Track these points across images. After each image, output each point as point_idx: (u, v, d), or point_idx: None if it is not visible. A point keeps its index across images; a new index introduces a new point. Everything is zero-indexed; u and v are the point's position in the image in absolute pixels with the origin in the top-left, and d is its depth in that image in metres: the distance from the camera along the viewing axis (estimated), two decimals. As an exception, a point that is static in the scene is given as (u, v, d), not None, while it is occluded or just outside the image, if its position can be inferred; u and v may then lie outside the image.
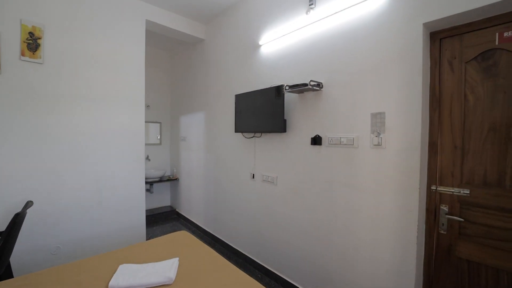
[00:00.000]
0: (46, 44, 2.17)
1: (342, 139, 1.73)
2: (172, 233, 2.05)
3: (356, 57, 1.67)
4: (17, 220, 1.67)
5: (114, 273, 1.44)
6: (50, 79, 2.19)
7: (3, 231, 1.69)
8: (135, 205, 2.73)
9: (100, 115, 2.47)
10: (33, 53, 2.11)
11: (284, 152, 2.19)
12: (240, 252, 2.66)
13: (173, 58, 4.25)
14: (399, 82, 1.47)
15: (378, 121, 1.56)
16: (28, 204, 1.93)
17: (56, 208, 2.24)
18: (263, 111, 2.22)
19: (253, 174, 2.51)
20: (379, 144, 1.55)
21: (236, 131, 2.54)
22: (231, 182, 2.84)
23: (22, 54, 2.07)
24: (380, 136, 1.54)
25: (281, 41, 2.20)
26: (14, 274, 2.05)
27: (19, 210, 1.80)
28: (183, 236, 1.99)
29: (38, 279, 1.38)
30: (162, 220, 3.86)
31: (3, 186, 1.99)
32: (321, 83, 1.85)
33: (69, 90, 2.28)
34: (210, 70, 3.18)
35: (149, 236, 3.21)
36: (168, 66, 4.25)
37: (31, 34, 2.10)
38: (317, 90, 1.86)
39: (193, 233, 3.36)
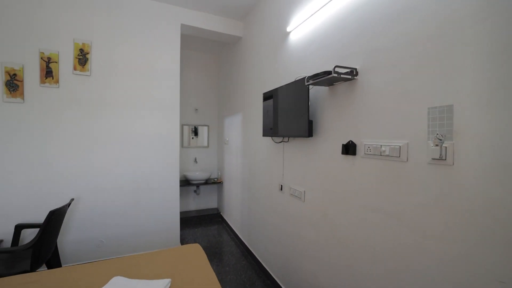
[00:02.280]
0: (93, 58, 2.41)
1: (383, 148, 1.18)
2: (184, 245, 1.92)
3: (410, 20, 1.10)
4: (52, 217, 1.85)
5: (104, 284, 1.37)
6: (96, 89, 2.43)
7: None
8: (170, 208, 2.77)
9: (138, 120, 2.60)
10: (82, 67, 2.37)
11: (311, 162, 1.74)
12: (269, 273, 2.32)
13: (218, 60, 4.26)
14: (484, 53, 0.85)
15: (440, 120, 0.97)
16: (71, 201, 2.15)
17: (100, 205, 2.47)
18: (288, 111, 1.83)
19: (281, 186, 2.13)
20: (441, 158, 0.95)
21: (263, 134, 2.22)
22: (261, 192, 2.53)
23: (74, 68, 2.35)
24: (444, 144, 0.95)
25: (309, 23, 1.76)
26: (67, 260, 2.34)
27: (68, 205, 2.03)
28: (193, 251, 1.82)
29: (46, 276, 1.45)
30: (207, 222, 3.89)
31: (55, 184, 2.30)
32: (355, 69, 1.34)
33: (111, 98, 2.48)
34: (246, 68, 2.96)
35: (190, 238, 3.25)
36: (214, 69, 4.28)
37: (81, 50, 2.37)
38: (349, 79, 1.36)
39: (231, 240, 3.22)
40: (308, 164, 1.77)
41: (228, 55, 3.69)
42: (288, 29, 1.98)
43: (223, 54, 3.98)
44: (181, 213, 3.89)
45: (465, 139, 0.89)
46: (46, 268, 2.04)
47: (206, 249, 2.93)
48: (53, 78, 2.27)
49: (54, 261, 2.11)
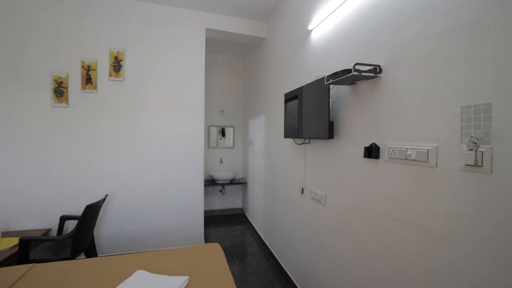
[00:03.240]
0: (126, 64, 2.60)
1: (409, 152, 1.08)
2: (204, 244, 1.96)
3: (439, 8, 0.99)
4: (89, 211, 2.03)
5: (129, 276, 1.46)
6: (128, 93, 2.61)
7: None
8: (194, 206, 2.87)
9: (166, 121, 2.74)
10: (117, 73, 2.57)
11: (332, 165, 1.66)
12: (290, 277, 2.27)
13: (243, 62, 4.30)
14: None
15: (475, 121, 0.85)
16: (105, 197, 2.34)
17: (131, 201, 2.65)
18: (308, 112, 1.77)
19: (303, 188, 2.07)
20: (476, 164, 0.84)
21: (284, 136, 2.19)
22: (283, 194, 2.49)
23: (110, 74, 2.56)
24: (480, 148, 0.83)
25: (331, 19, 1.68)
26: (102, 251, 2.55)
27: (103, 201, 2.22)
28: (213, 250, 1.85)
29: (81, 264, 1.60)
30: (231, 222, 3.95)
31: (93, 180, 2.52)
32: (378, 66, 1.24)
33: (141, 101, 2.65)
34: (268, 69, 2.95)
35: (214, 236, 3.33)
36: (240, 71, 4.33)
37: (116, 58, 2.56)
38: (372, 77, 1.27)
39: (254, 241, 3.22)
40: (330, 167, 1.69)
41: (252, 57, 3.70)
42: (309, 27, 1.92)
43: (248, 56, 4.01)
44: (206, 211, 4.02)
45: (506, 142, 0.77)
46: (85, 257, 2.26)
47: (229, 249, 2.98)
48: (92, 84, 2.50)
49: (91, 251, 2.31)
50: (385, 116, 1.22)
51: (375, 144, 1.28)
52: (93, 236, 2.32)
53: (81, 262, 1.65)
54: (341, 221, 1.56)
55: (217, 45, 3.73)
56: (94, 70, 2.50)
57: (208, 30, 2.89)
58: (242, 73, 4.34)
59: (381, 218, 1.24)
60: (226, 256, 2.73)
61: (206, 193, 4.13)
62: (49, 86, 2.40)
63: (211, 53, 4.03)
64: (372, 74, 1.24)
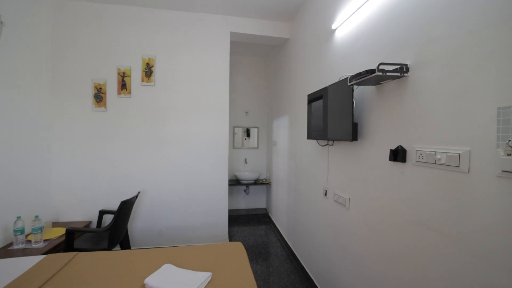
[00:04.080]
0: (157, 70, 2.77)
1: (438, 156, 1.01)
2: (228, 243, 2.02)
3: (473, 0, 0.92)
4: (123, 207, 2.21)
5: (157, 269, 1.57)
6: (158, 97, 2.78)
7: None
8: (219, 205, 2.96)
9: (192, 123, 2.86)
10: (148, 78, 2.75)
11: (356, 167, 1.61)
12: (313, 281, 2.24)
13: (267, 63, 4.31)
14: None
15: (514, 123, 0.78)
16: (138, 194, 2.52)
17: (161, 199, 2.82)
18: (331, 113, 1.74)
19: (326, 191, 2.03)
20: (515, 171, 0.76)
21: (307, 137, 2.17)
22: (306, 196, 2.46)
23: (142, 80, 2.74)
24: (519, 154, 0.76)
25: (355, 17, 1.63)
26: (135, 244, 2.75)
27: (135, 197, 2.41)
28: (235, 249, 1.90)
29: (116, 255, 1.74)
30: (255, 221, 3.99)
31: (127, 178, 2.73)
32: (405, 65, 1.18)
33: (170, 104, 2.81)
34: (292, 69, 2.93)
35: (238, 235, 3.40)
36: (264, 72, 4.36)
37: (147, 64, 2.75)
38: (398, 77, 1.21)
39: (278, 242, 3.23)
40: (353, 169, 1.64)
41: (276, 58, 3.71)
42: (333, 27, 1.88)
43: (272, 57, 4.02)
44: (231, 211, 4.11)
45: (551, 147, 0.69)
46: (120, 248, 2.45)
47: (252, 248, 3.02)
48: (126, 89, 2.70)
49: (125, 243, 2.51)
50: (412, 117, 1.16)
51: (401, 146, 1.22)
52: (127, 230, 2.52)
53: (117, 253, 1.81)
54: (365, 225, 1.51)
55: (241, 47, 3.79)
56: (129, 76, 2.70)
57: (232, 34, 2.96)
58: (266, 74, 4.36)
59: (409, 225, 1.17)
60: (249, 255, 2.79)
61: (230, 193, 4.23)
62: (90, 92, 2.64)
63: (236, 55, 4.12)
64: (398, 74, 1.19)
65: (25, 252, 1.93)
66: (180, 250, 1.88)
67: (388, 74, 1.18)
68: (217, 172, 2.95)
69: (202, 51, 2.87)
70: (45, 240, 2.10)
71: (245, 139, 4.32)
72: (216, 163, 2.94)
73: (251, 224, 3.87)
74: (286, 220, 3.13)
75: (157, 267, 1.58)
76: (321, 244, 2.11)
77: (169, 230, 2.84)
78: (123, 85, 2.70)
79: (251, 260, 2.72)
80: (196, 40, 2.85)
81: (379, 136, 1.39)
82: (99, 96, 2.66)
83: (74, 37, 2.60)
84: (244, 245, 3.03)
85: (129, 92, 2.71)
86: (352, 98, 1.48)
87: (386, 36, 1.35)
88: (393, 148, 1.27)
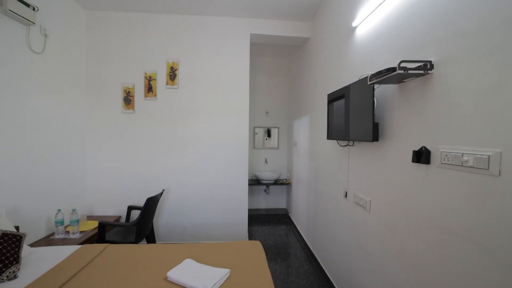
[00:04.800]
0: (180, 73, 2.89)
1: (465, 157, 0.95)
2: (246, 241, 2.06)
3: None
4: (149, 203, 2.34)
5: (179, 263, 1.65)
6: (181, 99, 2.90)
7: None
8: (239, 205, 3.01)
9: (214, 124, 2.95)
10: (172, 81, 2.88)
11: (377, 169, 1.56)
12: (332, 284, 2.20)
13: (288, 63, 4.29)
14: None
15: (551, 123, 0.71)
16: (162, 192, 2.65)
17: (184, 197, 2.94)
18: (351, 113, 1.70)
19: (346, 192, 1.99)
20: (552, 175, 0.70)
21: (327, 137, 2.13)
22: (326, 197, 2.42)
23: (167, 83, 2.88)
24: (557, 156, 0.69)
25: (377, 14, 1.58)
26: (160, 238, 2.90)
27: (160, 195, 2.54)
28: (254, 247, 1.93)
29: (143, 248, 1.86)
30: (275, 221, 4.00)
31: (153, 177, 2.89)
32: (429, 62, 1.12)
33: (193, 106, 2.92)
34: (312, 69, 2.89)
35: (257, 234, 3.43)
36: (284, 72, 4.34)
37: (171, 68, 2.88)
38: (421, 74, 1.16)
39: (297, 242, 3.21)
40: (375, 171, 1.59)
41: (297, 57, 3.68)
42: (353, 24, 1.84)
43: (292, 57, 4.00)
44: (251, 210, 4.15)
45: None
46: (146, 242, 2.60)
47: (272, 248, 3.03)
48: (152, 92, 2.86)
49: (151, 238, 2.65)
50: (437, 116, 1.10)
51: (425, 147, 1.16)
52: (152, 225, 2.66)
53: (143, 246, 1.93)
54: (387, 229, 1.46)
55: (262, 48, 3.82)
56: (154, 80, 2.86)
57: (252, 35, 2.99)
58: (286, 74, 4.34)
59: (433, 230, 1.12)
60: (268, 254, 2.81)
61: (251, 192, 4.28)
62: (120, 96, 2.84)
63: (256, 56, 4.15)
64: (422, 71, 1.13)
65: (64, 242, 2.13)
66: (200, 246, 1.95)
67: (410, 72, 1.13)
68: (237, 172, 3.01)
69: (223, 54, 2.94)
70: (81, 232, 2.29)
71: (266, 139, 4.34)
72: (237, 163, 3.00)
73: (271, 224, 3.89)
74: (306, 221, 3.10)
75: (179, 261, 1.66)
76: (341, 246, 2.06)
77: (191, 226, 2.95)
78: (149, 88, 2.85)
79: (270, 259, 2.73)
80: (217, 43, 2.92)
81: (402, 137, 1.33)
82: (128, 99, 2.84)
83: (106, 45, 2.81)
84: (264, 245, 3.06)
85: (155, 95, 2.86)
86: (373, 97, 1.44)
87: (409, 32, 1.29)
88: (416, 149, 1.21)
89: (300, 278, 2.39)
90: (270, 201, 4.37)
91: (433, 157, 1.12)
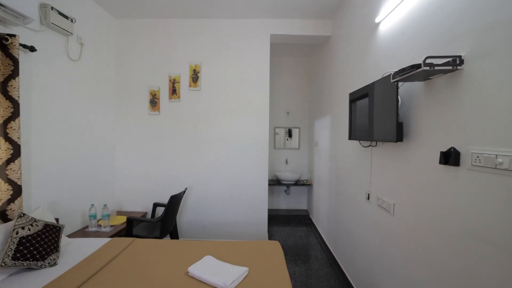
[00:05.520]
0: (202, 75, 2.99)
1: (499, 159, 0.88)
2: (266, 241, 2.07)
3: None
4: (172, 200, 2.44)
5: (199, 259, 1.70)
6: (203, 100, 2.99)
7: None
8: (259, 204, 3.03)
9: (234, 125, 3.00)
10: (195, 84, 2.99)
11: (402, 171, 1.49)
12: (354, 288, 2.14)
13: (309, 63, 4.22)
14: None
15: None
16: (185, 190, 2.75)
17: (206, 195, 3.03)
18: (374, 113, 1.64)
19: (369, 194, 1.92)
20: None
21: (349, 137, 2.08)
22: (348, 199, 2.35)
23: (189, 85, 2.99)
24: None
25: (401, 8, 1.51)
26: (183, 235, 3.01)
27: (183, 193, 2.65)
28: (273, 247, 1.94)
29: (166, 243, 1.95)
30: (295, 222, 3.96)
31: (176, 175, 3.01)
32: (459, 57, 1.05)
33: (214, 107, 2.99)
34: (333, 67, 2.83)
35: (277, 235, 3.43)
36: (305, 72, 4.28)
37: (194, 70, 2.98)
38: (450, 70, 1.09)
39: (318, 244, 3.15)
40: (399, 173, 1.52)
41: (318, 56, 3.62)
42: (376, 20, 1.77)
43: (313, 56, 3.93)
44: (271, 210, 4.15)
45: None
46: (169, 238, 2.72)
47: (292, 249, 3.01)
48: (176, 94, 2.98)
49: (174, 234, 2.77)
50: (467, 115, 1.03)
51: (454, 148, 1.09)
52: (176, 222, 2.78)
53: (167, 241, 2.02)
54: (412, 234, 1.38)
55: (282, 48, 3.81)
56: (178, 82, 2.98)
57: (272, 36, 3.00)
58: (307, 73, 4.29)
59: (463, 237, 1.04)
60: (288, 255, 2.80)
61: (271, 193, 4.28)
62: (147, 98, 3.00)
63: (277, 56, 4.15)
64: (450, 67, 1.06)
65: (97, 234, 2.30)
66: (220, 244, 2.00)
67: (437, 68, 1.07)
68: (257, 172, 3.03)
69: (243, 55, 2.98)
70: (111, 226, 2.46)
71: (287, 139, 4.32)
72: (257, 163, 3.02)
73: (291, 225, 3.86)
74: (327, 223, 3.03)
75: (200, 257, 1.72)
76: (363, 250, 1.99)
77: (212, 224, 3.03)
78: (173, 91, 2.98)
79: (290, 260, 2.72)
80: (238, 45, 2.97)
81: (428, 137, 1.26)
82: (153, 101, 2.99)
83: (134, 50, 2.98)
84: (284, 246, 3.04)
85: (179, 97, 2.98)
86: (397, 95, 1.38)
87: (436, 26, 1.22)
88: (444, 150, 1.14)
89: (320, 281, 2.35)
90: (290, 202, 4.34)
91: (462, 159, 1.05)
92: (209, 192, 3.03)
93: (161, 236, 2.39)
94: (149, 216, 2.99)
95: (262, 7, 2.71)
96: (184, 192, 2.69)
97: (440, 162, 1.15)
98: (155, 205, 2.90)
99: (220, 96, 2.99)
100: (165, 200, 2.91)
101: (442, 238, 1.15)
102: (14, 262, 1.45)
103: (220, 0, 2.59)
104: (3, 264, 1.41)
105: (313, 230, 3.65)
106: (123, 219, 2.62)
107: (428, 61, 1.07)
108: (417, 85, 1.35)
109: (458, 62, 1.06)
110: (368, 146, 1.92)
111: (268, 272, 1.59)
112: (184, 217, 3.04)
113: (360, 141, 2.04)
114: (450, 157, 1.10)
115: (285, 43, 3.29)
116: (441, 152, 1.15)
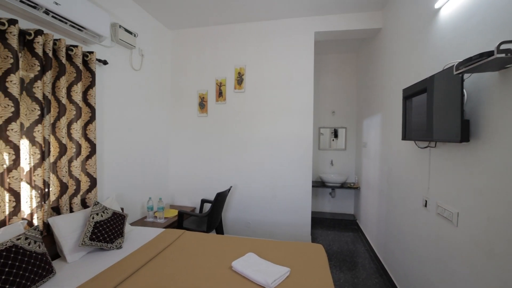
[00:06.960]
0: (246, 78, 3.08)
1: None
2: (309, 243, 2.03)
3: None
4: (218, 198, 2.58)
5: (242, 255, 1.76)
6: (248, 102, 3.08)
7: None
8: (302, 206, 2.98)
9: (278, 125, 3.02)
10: (239, 86, 3.10)
11: (468, 175, 1.29)
12: (408, 303, 1.93)
13: (356, 59, 3.97)
14: None
15: None
16: (230, 188, 2.88)
17: (250, 194, 3.11)
18: (433, 109, 1.46)
19: (426, 201, 1.71)
20: None
21: (403, 137, 1.89)
22: (400, 205, 2.14)
23: (235, 88, 3.11)
24: None
25: (469, -11, 1.31)
26: (227, 231, 3.15)
27: (228, 191, 2.78)
28: (316, 250, 1.89)
29: (212, 237, 2.07)
30: (341, 227, 3.77)
31: (222, 174, 3.16)
32: (547, 39, 0.87)
33: (258, 108, 3.06)
34: (386, 62, 2.60)
35: (321, 238, 3.32)
36: (352, 69, 4.04)
37: (239, 73, 3.10)
38: (534, 57, 0.91)
39: (366, 252, 2.94)
40: (464, 177, 1.33)
41: (366, 51, 3.38)
42: (436, 6, 1.57)
43: (361, 51, 3.69)
44: (315, 212, 4.04)
45: None
46: (215, 233, 2.88)
47: (337, 254, 2.88)
48: (222, 97, 3.14)
49: (219, 229, 2.91)
50: (559, 110, 0.85)
51: (540, 150, 0.90)
52: (221, 218, 2.92)
53: (212, 236, 2.14)
54: (480, 249, 1.19)
55: (327, 45, 3.68)
56: (224, 85, 3.13)
57: (317, 33, 2.92)
58: (354, 70, 4.04)
59: (551, 257, 0.86)
60: (333, 261, 2.69)
61: (315, 195, 4.16)
62: (196, 101, 3.23)
63: (321, 54, 4.02)
64: (534, 53, 0.89)
65: (153, 224, 2.57)
66: (263, 242, 2.04)
67: (514, 55, 0.91)
68: (300, 173, 2.98)
69: (287, 55, 2.97)
70: (165, 218, 2.72)
71: (333, 140, 4.15)
72: (300, 163, 2.98)
73: (336, 229, 3.68)
74: (376, 230, 2.81)
75: (243, 253, 1.78)
76: (418, 262, 1.79)
77: (255, 223, 3.09)
78: (220, 93, 3.14)
79: (334, 266, 2.60)
80: (281, 45, 2.98)
81: (505, 137, 1.07)
82: (202, 104, 3.21)
83: (185, 57, 3.25)
84: (328, 250, 2.93)
85: (224, 99, 3.13)
86: (462, 89, 1.21)
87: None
88: (526, 152, 0.95)
89: (368, 291, 2.19)
90: (336, 205, 4.15)
91: (552, 163, 0.86)
92: (252, 191, 3.10)
93: (207, 231, 2.54)
94: (197, 211, 3.21)
95: (305, 5, 2.66)
96: (229, 190, 2.81)
97: (520, 167, 0.97)
98: (203, 201, 3.10)
99: (263, 97, 3.04)
100: (211, 196, 3.09)
101: (523, 257, 0.97)
102: (91, 242, 1.72)
103: (263, 4, 2.63)
104: (83, 243, 1.69)
105: (360, 236, 3.42)
106: (175, 212, 2.87)
107: (503, 47, 0.91)
108: (487, 77, 1.16)
109: (545, 46, 0.88)
110: (426, 147, 1.72)
111: (310, 275, 1.56)
112: (229, 214, 3.18)
113: (416, 142, 1.84)
114: (534, 161, 0.92)
115: (330, 39, 3.17)
116: (521, 154, 0.97)
